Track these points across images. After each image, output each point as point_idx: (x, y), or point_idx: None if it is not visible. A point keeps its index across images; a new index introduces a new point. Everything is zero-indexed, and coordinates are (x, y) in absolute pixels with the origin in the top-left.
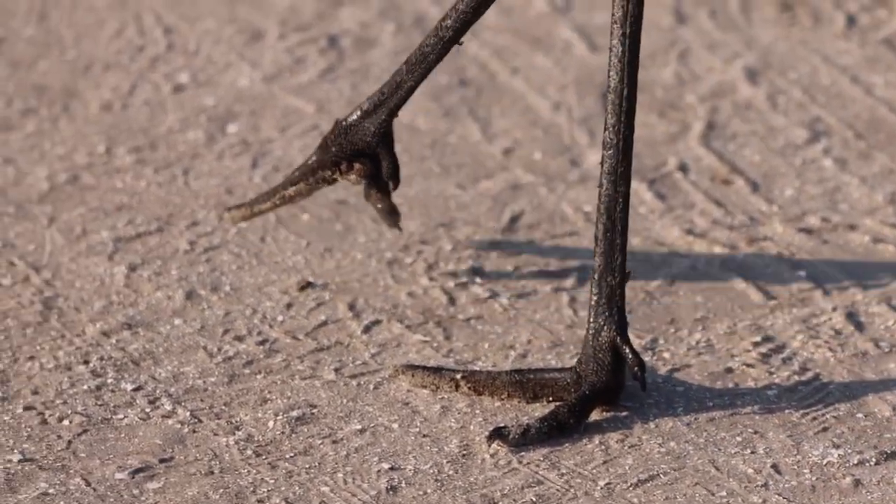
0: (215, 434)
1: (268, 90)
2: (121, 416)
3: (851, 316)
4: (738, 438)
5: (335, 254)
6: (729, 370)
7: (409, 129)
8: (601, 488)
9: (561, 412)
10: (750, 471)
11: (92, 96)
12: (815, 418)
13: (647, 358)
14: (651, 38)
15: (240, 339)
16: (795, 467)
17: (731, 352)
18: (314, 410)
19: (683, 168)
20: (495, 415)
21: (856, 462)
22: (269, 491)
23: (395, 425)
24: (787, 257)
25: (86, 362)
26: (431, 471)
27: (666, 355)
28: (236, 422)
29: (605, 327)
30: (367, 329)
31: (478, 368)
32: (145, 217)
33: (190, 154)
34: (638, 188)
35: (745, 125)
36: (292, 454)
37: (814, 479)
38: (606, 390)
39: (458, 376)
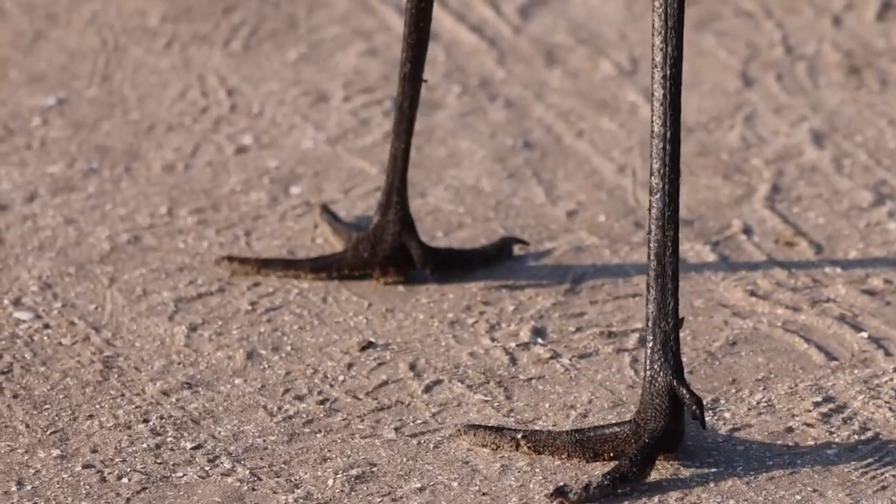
0: (274, 492)
1: (332, 152)
2: (180, 474)
3: None
4: (798, 497)
5: (397, 314)
6: (789, 430)
7: (473, 190)
8: None
9: (623, 464)
10: None
11: (154, 157)
12: (874, 477)
13: (707, 417)
14: (717, 102)
15: (300, 398)
16: None
17: (791, 412)
18: (374, 469)
19: (748, 230)
20: (555, 473)
21: None
22: None
23: (455, 483)
24: (850, 318)
25: (145, 421)
26: None
27: (727, 415)
28: (296, 480)
29: (661, 372)
30: (427, 389)
31: (538, 428)
32: (207, 277)
33: (252, 215)
34: (701, 250)
35: (810, 188)
36: None
37: None
38: (667, 436)
39: (519, 436)
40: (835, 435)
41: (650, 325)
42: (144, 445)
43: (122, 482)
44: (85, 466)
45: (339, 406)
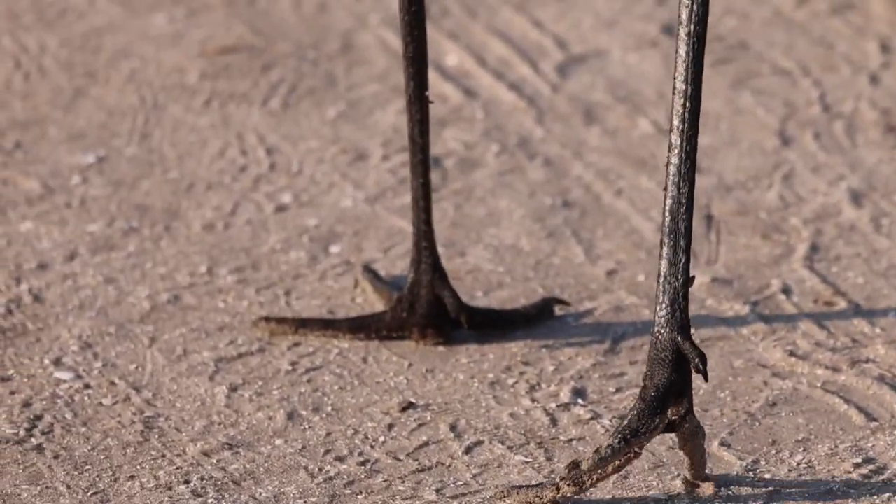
0: None
1: (371, 210)
2: None
3: None
4: None
5: (437, 374)
6: (829, 491)
7: (512, 250)
8: None
9: (631, 420)
10: None
11: (194, 216)
12: None
13: (747, 479)
14: (755, 160)
15: (341, 459)
16: None
17: (832, 473)
18: None
19: (787, 290)
20: None
21: None
22: None
23: None
24: (889, 379)
25: (186, 482)
26: None
27: (767, 476)
28: None
29: (667, 328)
30: (468, 450)
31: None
32: (247, 337)
33: (292, 275)
34: (740, 310)
35: (849, 247)
36: None
37: None
38: (672, 387)
39: (558, 479)
40: (875, 497)
41: (660, 280)
42: None
43: None
44: None
45: (380, 467)
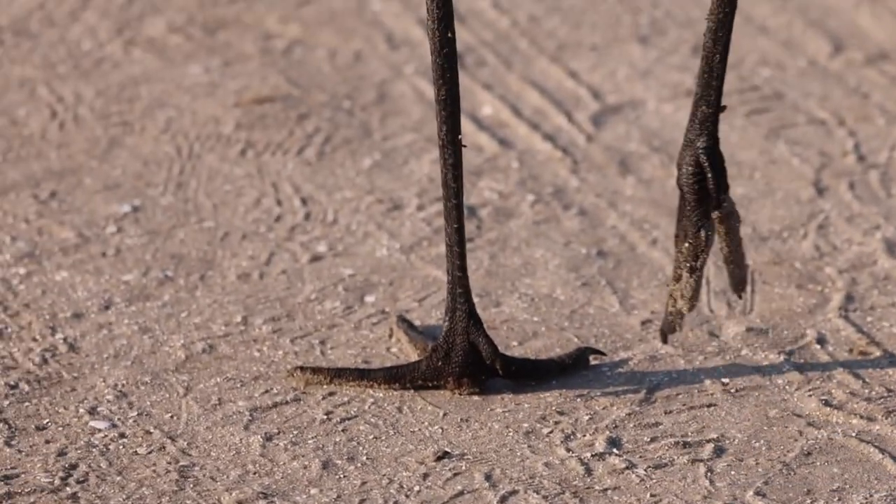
0: None
1: (406, 260)
2: None
3: None
4: None
5: (472, 424)
6: None
7: (547, 299)
8: None
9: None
10: None
11: (229, 265)
12: None
13: None
14: (790, 210)
15: None
16: None
17: None
18: None
19: (822, 340)
20: None
21: None
22: None
23: None
24: None
25: None
26: None
27: None
28: None
29: (695, 141)
30: (503, 500)
31: None
32: (282, 386)
33: (327, 324)
34: (775, 359)
35: (884, 297)
36: None
37: None
38: (695, 189)
39: None
40: None
41: (693, 105)
42: None
43: None
44: None
45: None
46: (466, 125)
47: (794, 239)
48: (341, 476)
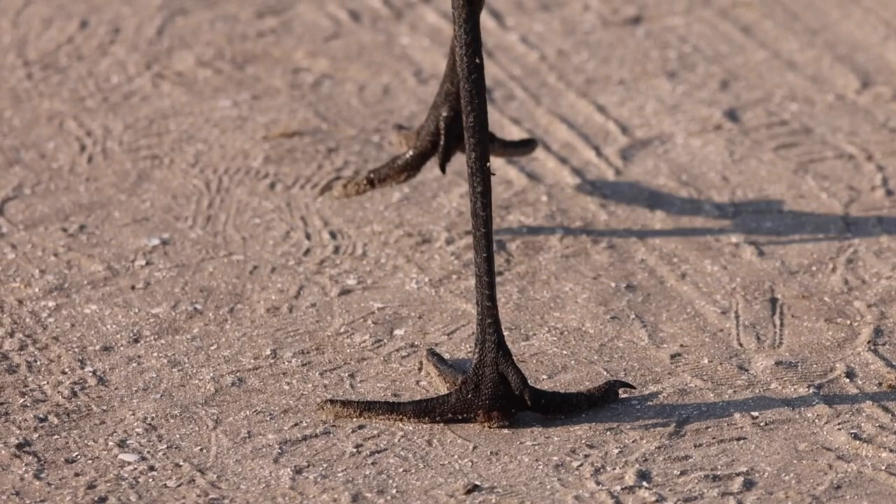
0: None
1: (435, 294)
2: None
3: None
4: None
5: (502, 457)
6: None
7: (577, 333)
8: None
9: None
10: None
11: (258, 298)
12: None
13: None
14: (819, 245)
15: None
16: None
17: None
18: None
19: (851, 373)
20: None
21: None
22: None
23: None
24: None
25: None
26: None
27: None
28: None
29: (440, 108)
30: None
31: None
32: (311, 420)
33: (357, 357)
34: (805, 393)
35: None
36: None
37: None
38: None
39: None
40: None
41: None
42: None
43: None
44: None
45: None
46: (495, 160)
47: (823, 273)
48: None
